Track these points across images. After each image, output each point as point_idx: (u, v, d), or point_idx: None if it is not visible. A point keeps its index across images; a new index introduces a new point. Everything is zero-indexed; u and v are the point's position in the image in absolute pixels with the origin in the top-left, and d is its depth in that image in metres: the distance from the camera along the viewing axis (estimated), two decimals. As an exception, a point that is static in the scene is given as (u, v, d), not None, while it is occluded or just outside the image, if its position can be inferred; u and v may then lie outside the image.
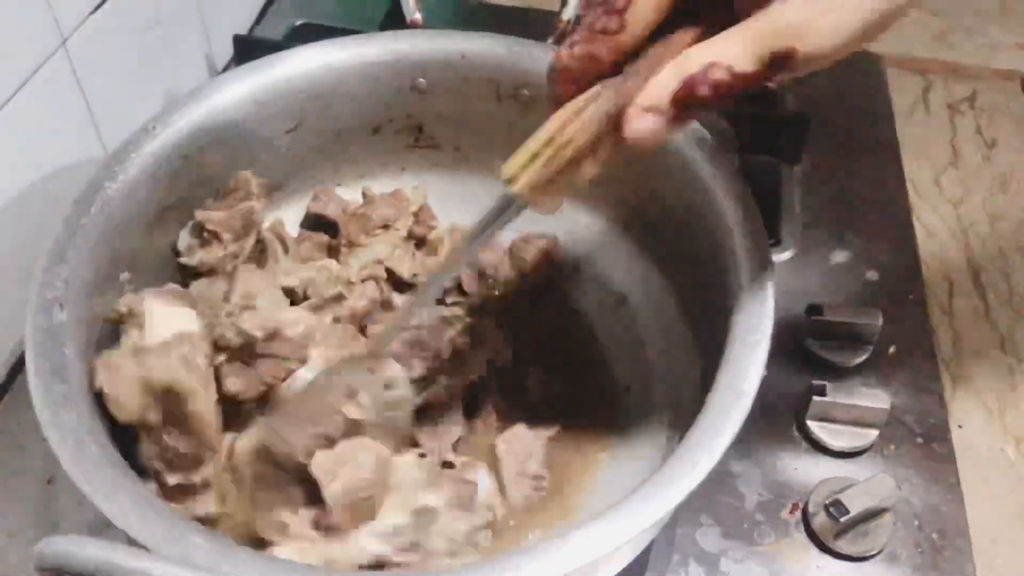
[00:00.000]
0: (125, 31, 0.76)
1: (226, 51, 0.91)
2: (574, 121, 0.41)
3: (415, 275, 0.66)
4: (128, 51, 0.77)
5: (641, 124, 0.39)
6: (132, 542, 0.40)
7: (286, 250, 0.65)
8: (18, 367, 0.69)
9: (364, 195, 0.70)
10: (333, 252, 0.68)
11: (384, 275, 0.66)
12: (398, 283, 0.67)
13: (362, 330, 0.63)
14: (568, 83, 0.42)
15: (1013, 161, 0.96)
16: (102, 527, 0.44)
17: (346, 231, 0.67)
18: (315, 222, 0.69)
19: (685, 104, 0.39)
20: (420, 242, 0.70)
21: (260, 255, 0.63)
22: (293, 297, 0.63)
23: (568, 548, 0.42)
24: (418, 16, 0.79)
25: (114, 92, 0.75)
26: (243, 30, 0.97)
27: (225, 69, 0.92)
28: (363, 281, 0.65)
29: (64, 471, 0.44)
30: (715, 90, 0.38)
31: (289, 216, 0.69)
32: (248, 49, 0.85)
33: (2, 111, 0.63)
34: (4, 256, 0.66)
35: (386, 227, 0.67)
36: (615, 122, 0.40)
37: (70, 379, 0.48)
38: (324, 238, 0.68)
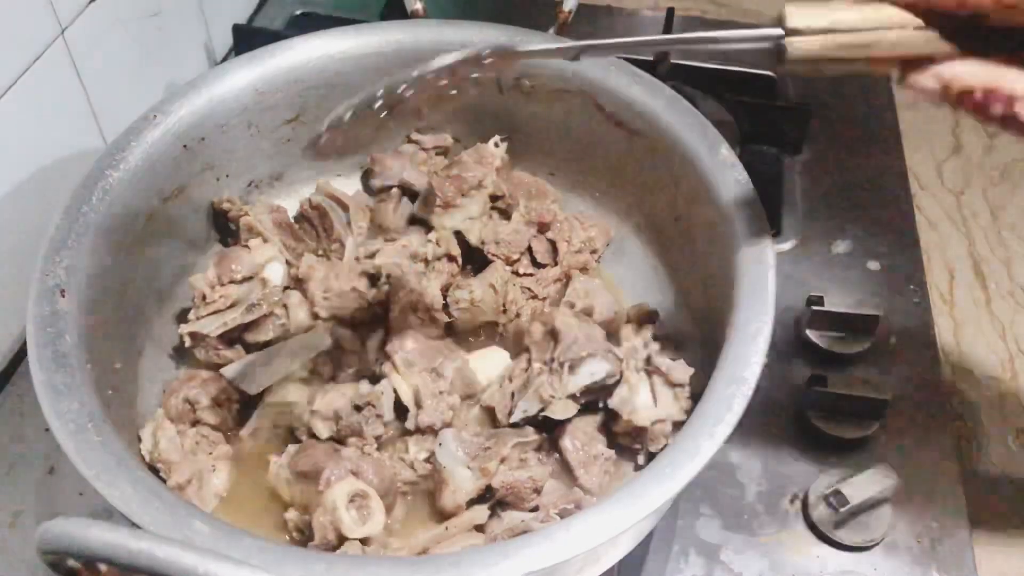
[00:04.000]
0: (124, 21, 0.75)
1: (225, 41, 0.91)
2: (893, 31, 0.41)
3: (483, 242, 0.66)
4: (127, 41, 0.77)
5: (926, 82, 0.42)
6: (134, 527, 0.41)
7: (346, 213, 0.66)
8: (20, 355, 0.69)
9: (447, 151, 0.71)
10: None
11: (458, 250, 0.66)
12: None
13: (445, 307, 0.63)
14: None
15: (1015, 151, 0.95)
16: (103, 517, 0.44)
17: (442, 193, 0.67)
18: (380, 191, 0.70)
19: (963, 104, 0.42)
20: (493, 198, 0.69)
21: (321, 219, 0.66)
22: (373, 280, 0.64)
23: (570, 535, 0.42)
24: (419, 6, 0.79)
25: (113, 82, 0.75)
26: (242, 19, 0.96)
27: (225, 59, 0.92)
28: (438, 259, 0.65)
29: (65, 460, 0.44)
30: (1001, 119, 0.41)
31: (289, 205, 0.69)
32: (248, 38, 0.85)
33: (1, 101, 0.63)
34: (4, 245, 0.66)
35: (479, 186, 0.67)
36: (913, 63, 0.42)
37: (72, 366, 0.48)
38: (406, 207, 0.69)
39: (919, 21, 0.42)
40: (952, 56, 0.42)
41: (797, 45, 0.42)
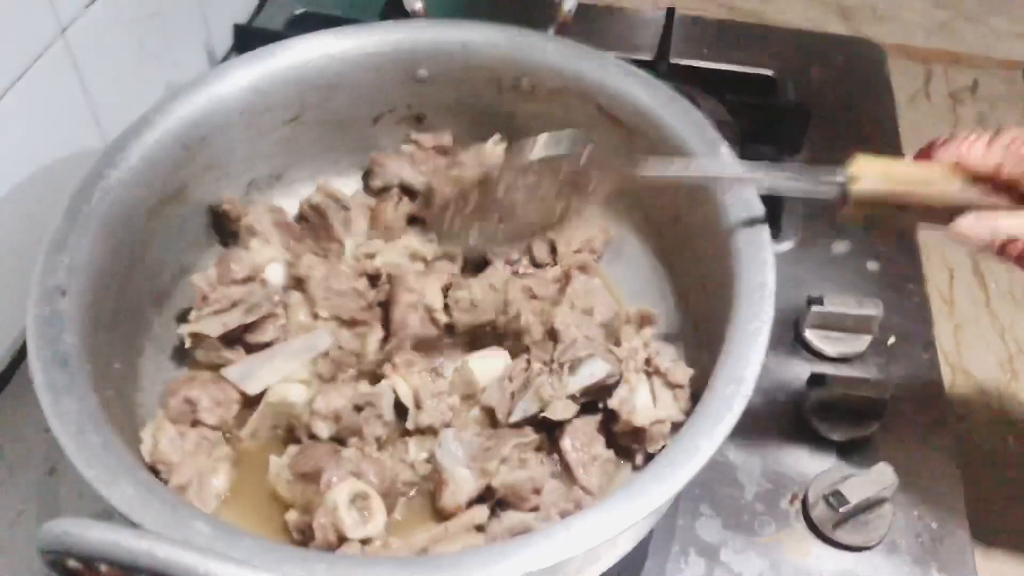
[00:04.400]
0: (124, 21, 0.75)
1: (226, 41, 0.91)
2: (937, 183, 0.49)
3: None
4: (127, 41, 0.77)
5: (970, 227, 0.48)
6: (134, 527, 0.41)
7: (346, 213, 0.66)
8: (20, 356, 0.69)
9: (447, 151, 0.71)
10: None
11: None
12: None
13: (445, 307, 0.63)
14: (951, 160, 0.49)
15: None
16: (104, 517, 0.44)
17: (442, 195, 0.66)
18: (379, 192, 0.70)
19: (1005, 253, 0.47)
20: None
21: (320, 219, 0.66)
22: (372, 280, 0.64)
23: (570, 535, 0.42)
24: (419, 5, 0.79)
25: (113, 82, 0.75)
26: (243, 19, 0.96)
27: (225, 59, 0.92)
28: (438, 259, 0.65)
29: (66, 461, 0.44)
30: None
31: (289, 205, 0.69)
32: (248, 38, 0.85)
33: (1, 101, 0.63)
34: (5, 245, 0.66)
35: None
36: (957, 211, 0.49)
37: (72, 366, 0.48)
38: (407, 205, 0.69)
39: (965, 179, 0.49)
40: (998, 208, 0.48)
41: (859, 186, 0.50)
